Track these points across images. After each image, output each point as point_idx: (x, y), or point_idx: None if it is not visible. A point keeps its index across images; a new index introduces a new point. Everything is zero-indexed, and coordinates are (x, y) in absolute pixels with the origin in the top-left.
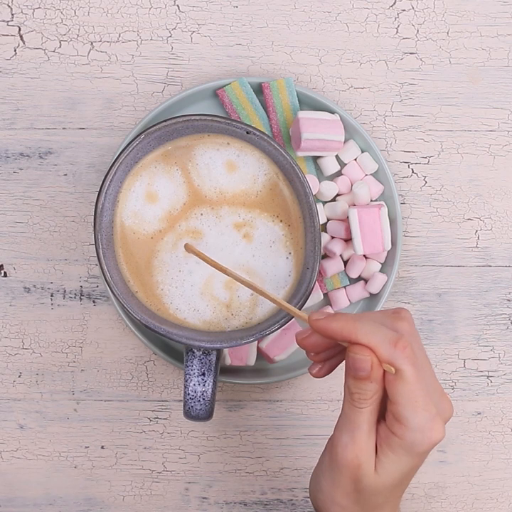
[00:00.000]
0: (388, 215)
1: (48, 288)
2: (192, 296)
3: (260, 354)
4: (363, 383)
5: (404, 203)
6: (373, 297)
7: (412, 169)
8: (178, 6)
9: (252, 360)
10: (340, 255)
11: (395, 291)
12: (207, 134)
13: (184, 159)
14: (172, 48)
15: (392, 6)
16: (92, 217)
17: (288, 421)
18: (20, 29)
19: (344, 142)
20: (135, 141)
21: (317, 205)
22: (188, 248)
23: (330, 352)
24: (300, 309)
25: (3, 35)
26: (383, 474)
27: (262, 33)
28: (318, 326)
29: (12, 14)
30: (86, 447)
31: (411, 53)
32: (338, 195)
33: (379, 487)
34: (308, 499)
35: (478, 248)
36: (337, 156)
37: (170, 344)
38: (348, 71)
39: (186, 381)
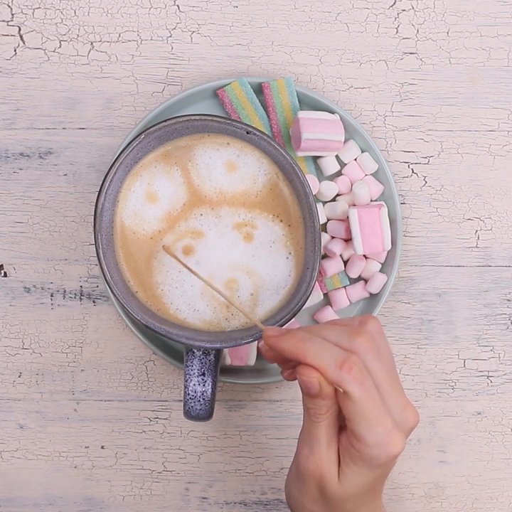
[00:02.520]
0: (388, 215)
1: (48, 288)
2: (192, 297)
3: (260, 354)
4: (316, 400)
5: (404, 203)
6: (373, 297)
7: (412, 169)
8: (178, 6)
9: (252, 360)
10: (340, 255)
11: (395, 291)
12: (207, 134)
13: (184, 159)
14: (172, 48)
15: (392, 6)
16: (92, 217)
17: (288, 421)
18: (20, 29)
19: (344, 142)
20: (135, 141)
21: (317, 205)
22: (165, 249)
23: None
24: (299, 310)
25: (3, 35)
26: (346, 484)
27: (262, 33)
28: (271, 344)
29: (12, 14)
30: (86, 447)
31: (411, 53)
32: (338, 195)
33: (344, 495)
34: None
35: (478, 248)
36: (337, 156)
37: (170, 344)
38: (348, 71)
39: (186, 381)
